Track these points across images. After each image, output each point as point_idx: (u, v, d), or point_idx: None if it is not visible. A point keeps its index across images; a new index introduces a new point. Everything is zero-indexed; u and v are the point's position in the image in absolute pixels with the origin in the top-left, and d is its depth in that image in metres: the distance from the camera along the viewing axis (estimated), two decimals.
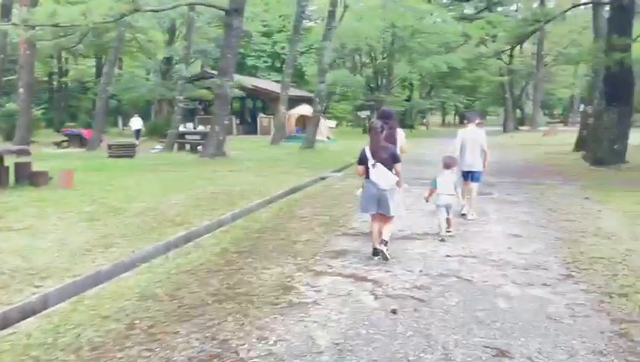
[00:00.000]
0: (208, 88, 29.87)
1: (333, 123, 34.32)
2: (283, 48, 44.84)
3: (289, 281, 4.86)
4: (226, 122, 16.50)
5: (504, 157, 16.80)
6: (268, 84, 37.86)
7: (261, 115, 34.85)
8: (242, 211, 8.15)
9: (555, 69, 48.83)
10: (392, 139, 6.09)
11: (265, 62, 46.73)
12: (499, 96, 48.99)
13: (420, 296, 4.45)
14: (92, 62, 43.29)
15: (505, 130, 38.91)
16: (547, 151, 20.05)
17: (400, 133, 6.51)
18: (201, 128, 22.25)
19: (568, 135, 33.00)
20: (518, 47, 47.62)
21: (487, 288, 4.63)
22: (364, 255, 5.69)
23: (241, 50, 45.23)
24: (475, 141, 7.67)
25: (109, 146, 17.65)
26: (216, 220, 7.37)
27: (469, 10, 43.38)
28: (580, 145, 19.12)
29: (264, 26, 45.25)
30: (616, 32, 11.09)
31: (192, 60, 32.55)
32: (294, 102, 30.82)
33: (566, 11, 15.53)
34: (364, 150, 5.53)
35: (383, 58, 35.98)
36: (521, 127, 43.39)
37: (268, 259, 5.56)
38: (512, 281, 4.78)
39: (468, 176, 7.73)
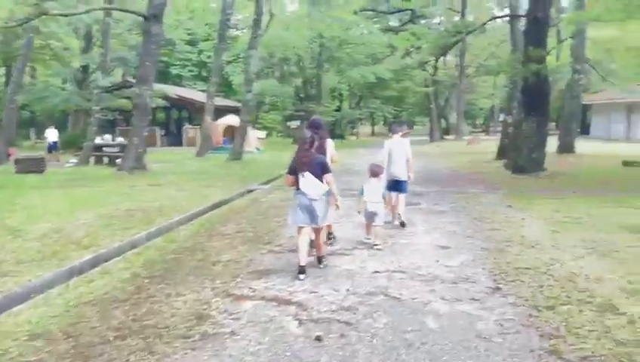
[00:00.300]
0: (129, 98, 28.59)
1: (262, 133, 33.83)
2: (209, 57, 43.87)
3: (205, 309, 4.42)
4: (145, 133, 15.64)
5: (431, 166, 17.09)
6: (193, 93, 36.86)
7: (187, 125, 33.79)
8: (159, 230, 7.56)
9: (476, 80, 51.09)
10: (321, 149, 6.00)
11: (190, 71, 45.58)
12: (425, 107, 50.49)
13: (346, 319, 4.16)
14: (1, 70, 40.33)
15: (431, 140, 40.05)
16: (471, 159, 20.66)
17: (330, 143, 6.47)
18: (120, 140, 21.08)
19: (490, 143, 34.39)
20: (442, 58, 49.54)
21: (416, 306, 4.42)
22: (290, 274, 5.34)
23: (165, 59, 43.91)
24: (400, 151, 7.77)
25: (16, 161, 16.24)
26: (128, 241, 6.76)
27: (393, 22, 44.48)
28: (501, 153, 19.85)
29: (189, 34, 44.21)
30: (532, 44, 11.55)
31: (112, 69, 31.01)
32: (221, 112, 30.11)
33: (485, 24, 16.09)
34: (293, 160, 5.46)
35: (312, 68, 36.04)
36: (447, 137, 44.91)
37: (183, 284, 5.08)
38: (441, 297, 4.60)
39: (394, 186, 7.79)
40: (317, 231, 5.48)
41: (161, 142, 35.24)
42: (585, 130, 37.86)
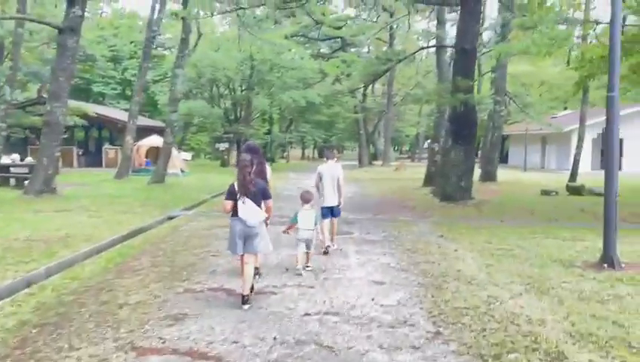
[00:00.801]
0: (41, 115, 26.58)
1: (188, 155, 32.63)
2: (133, 75, 42.13)
3: None
4: (57, 153, 14.32)
5: (362, 192, 16.94)
6: (115, 112, 35.11)
7: (107, 145, 31.94)
8: (61, 264, 6.65)
9: (403, 109, 52.65)
10: (262, 174, 5.97)
11: (113, 89, 43.53)
12: (354, 132, 51.20)
13: None
14: None
15: (360, 165, 40.46)
16: (400, 185, 20.79)
17: (268, 168, 6.45)
18: (29, 160, 19.33)
19: (417, 170, 35.22)
20: (371, 86, 50.66)
21: (352, 357, 3.92)
22: (209, 319, 4.69)
23: (87, 76, 41.75)
24: (333, 177, 7.75)
25: None
26: (22, 278, 5.83)
27: (324, 49, 45.01)
28: (428, 180, 20.12)
29: (113, 51, 42.38)
30: (460, 74, 11.72)
31: (24, 83, 28.79)
32: (145, 132, 28.72)
33: (414, 53, 16.38)
34: (232, 185, 5.22)
35: (242, 90, 35.44)
36: (375, 162, 45.59)
37: (80, 334, 4.29)
38: (379, 345, 4.14)
39: (328, 212, 7.77)
40: (249, 259, 5.29)
41: (78, 163, 33.10)
42: (503, 159, 39.72)
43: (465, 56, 12.00)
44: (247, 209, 5.10)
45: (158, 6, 20.76)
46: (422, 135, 60.44)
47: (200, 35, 20.41)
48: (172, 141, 18.83)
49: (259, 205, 5.18)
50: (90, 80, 42.60)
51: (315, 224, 6.62)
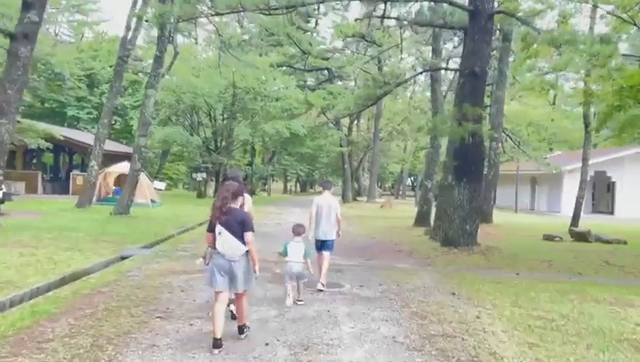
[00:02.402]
0: None
1: (162, 184, 30.67)
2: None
3: None
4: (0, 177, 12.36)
5: (349, 231, 15.12)
6: (88, 137, 33.02)
7: (75, 171, 29.82)
8: None
9: (388, 144, 51.59)
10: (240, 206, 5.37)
11: (89, 113, 41.51)
12: (337, 167, 49.82)
13: None
14: None
15: (344, 201, 38.80)
16: (389, 225, 19.12)
17: (247, 199, 5.97)
18: None
19: (404, 208, 33.70)
20: (356, 121, 49.66)
21: None
22: None
23: (61, 99, 39.79)
24: (330, 209, 7.55)
25: None
26: None
27: (310, 81, 43.91)
28: (420, 219, 18.52)
29: (90, 74, 40.59)
30: (468, 101, 10.24)
31: None
32: (117, 158, 26.73)
33: (416, 75, 14.92)
34: (212, 215, 4.91)
35: (224, 119, 33.83)
36: (359, 198, 44.00)
37: None
38: None
39: (322, 245, 7.55)
40: (238, 297, 4.95)
41: (44, 189, 30.88)
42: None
43: (474, 81, 10.53)
44: (225, 241, 4.71)
45: (133, 24, 19.24)
46: (406, 172, 59.33)
47: (176, 53, 18.82)
48: (139, 168, 16.96)
49: (240, 237, 4.72)
50: (65, 103, 40.66)
51: (305, 257, 6.44)
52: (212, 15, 10.84)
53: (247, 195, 5.97)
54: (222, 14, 10.45)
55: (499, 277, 8.56)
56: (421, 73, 14.74)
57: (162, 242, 12.19)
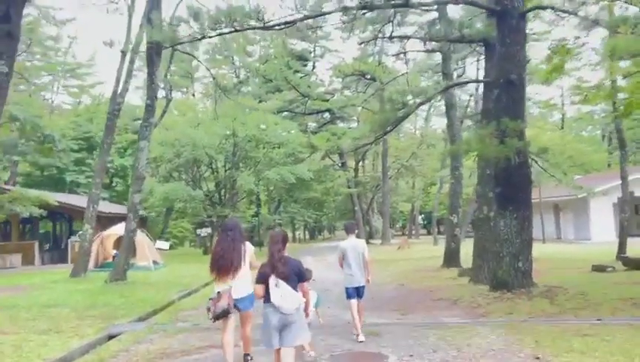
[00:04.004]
0: None
1: (165, 244, 28.97)
2: (111, 162, 39.30)
3: None
4: None
5: (375, 280, 13.26)
6: (85, 201, 31.59)
7: (73, 238, 28.19)
8: None
9: (397, 183, 50.09)
10: (236, 252, 5.60)
11: (89, 177, 40.24)
12: (346, 210, 48.16)
13: None
14: None
15: None
16: (414, 268, 17.28)
17: (249, 247, 5.90)
18: None
19: (422, 247, 31.76)
20: (361, 162, 48.43)
21: None
22: None
23: (59, 165, 38.68)
24: (357, 252, 7.14)
25: None
26: None
27: (312, 123, 42.93)
28: (448, 259, 16.70)
29: (86, 139, 39.60)
30: (507, 113, 8.70)
31: None
32: (117, 220, 25.15)
33: (442, 91, 13.41)
34: (263, 265, 4.71)
35: (226, 170, 32.49)
36: (372, 241, 42.03)
37: None
38: None
39: (354, 293, 7.07)
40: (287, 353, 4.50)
41: (41, 260, 29.22)
42: None
43: (512, 90, 9.01)
44: (282, 293, 4.44)
45: (123, 77, 18.13)
46: (417, 210, 57.45)
47: (169, 100, 17.57)
48: (134, 228, 15.34)
49: (295, 288, 4.51)
50: (63, 169, 39.56)
51: (316, 306, 6.12)
52: (198, 39, 9.51)
53: (248, 244, 5.93)
54: (210, 37, 9.12)
55: (581, 327, 6.74)
56: (447, 89, 13.23)
57: (160, 311, 10.44)
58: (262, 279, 4.60)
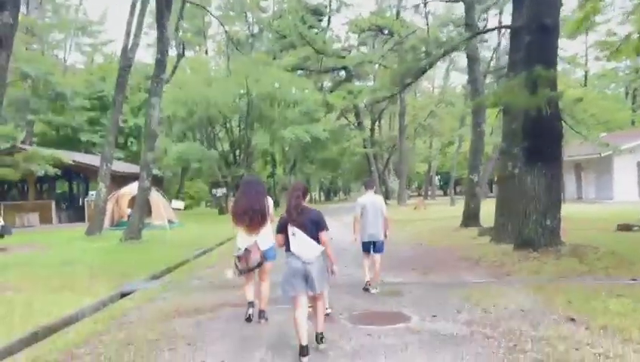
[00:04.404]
0: (10, 166, 23.12)
1: (181, 203, 28.91)
2: (125, 121, 39.04)
3: None
4: None
5: (391, 239, 12.95)
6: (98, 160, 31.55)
7: (89, 197, 28.29)
8: None
9: (413, 143, 49.22)
10: (261, 204, 5.71)
11: (103, 136, 40.09)
12: (362, 171, 47.66)
13: None
14: None
15: None
16: (433, 227, 16.93)
17: (270, 202, 5.90)
18: None
19: (439, 208, 31.38)
20: (378, 122, 47.54)
21: None
22: None
23: (73, 124, 38.57)
24: (376, 208, 7.15)
25: None
26: None
27: (327, 83, 42.01)
28: (468, 218, 16.29)
29: (99, 98, 39.22)
30: (539, 61, 8.05)
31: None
32: (131, 180, 25.08)
33: (470, 38, 12.60)
34: (283, 215, 4.72)
35: (240, 130, 32.05)
36: (388, 202, 41.66)
37: None
38: None
39: (370, 247, 7.21)
40: (314, 299, 4.61)
41: (59, 219, 29.47)
42: None
43: (545, 36, 8.33)
44: (300, 242, 4.51)
45: (133, 30, 17.58)
46: (433, 170, 56.70)
47: (179, 56, 17.02)
48: (149, 186, 15.13)
49: (315, 238, 4.51)
50: (78, 129, 39.49)
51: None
52: None
53: (268, 197, 5.92)
54: None
55: (614, 287, 6.35)
56: (473, 37, 12.47)
57: (175, 270, 10.28)
58: (281, 228, 4.69)
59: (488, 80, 31.25)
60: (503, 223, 11.15)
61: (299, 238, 4.52)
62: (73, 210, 31.55)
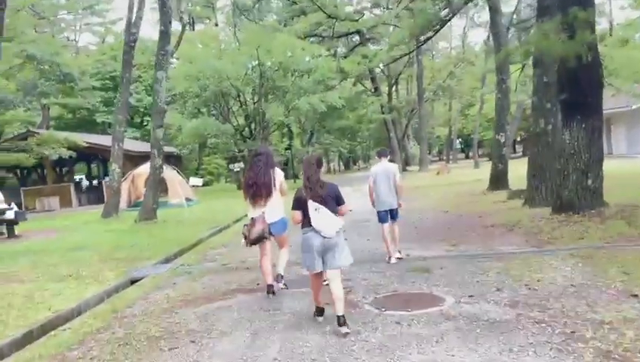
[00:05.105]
0: (24, 151, 22.92)
1: (199, 180, 28.52)
2: (139, 100, 38.61)
3: None
4: None
5: (414, 207, 12.26)
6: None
7: (106, 179, 28.07)
8: None
9: (432, 106, 47.86)
10: (267, 177, 5.61)
11: None
12: (381, 138, 46.62)
13: None
14: None
15: None
16: (458, 192, 16.14)
17: (279, 173, 5.84)
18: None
19: (462, 171, 30.41)
20: (394, 86, 46.19)
21: None
22: None
23: (88, 106, 38.27)
24: (388, 175, 6.97)
25: None
26: None
27: (341, 49, 40.68)
28: (494, 182, 15.46)
29: (112, 78, 38.66)
30: (574, 2, 7.09)
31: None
32: (146, 159, 24.68)
33: None
34: (299, 190, 4.57)
35: (255, 102, 31.26)
36: (409, 168, 40.73)
37: None
38: None
39: (386, 216, 7.00)
40: (333, 278, 4.40)
41: (79, 201, 29.47)
42: None
43: None
44: (323, 218, 4.35)
45: (136, 4, 16.81)
46: (454, 134, 55.29)
47: (184, 26, 16.24)
48: (161, 165, 14.61)
49: (333, 212, 4.43)
50: (93, 110, 39.23)
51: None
52: None
53: (278, 170, 5.84)
54: None
55: None
56: None
57: (188, 251, 9.78)
58: (299, 204, 4.51)
59: (510, 35, 29.71)
60: (536, 185, 10.32)
61: (322, 214, 4.37)
62: (93, 192, 31.51)
